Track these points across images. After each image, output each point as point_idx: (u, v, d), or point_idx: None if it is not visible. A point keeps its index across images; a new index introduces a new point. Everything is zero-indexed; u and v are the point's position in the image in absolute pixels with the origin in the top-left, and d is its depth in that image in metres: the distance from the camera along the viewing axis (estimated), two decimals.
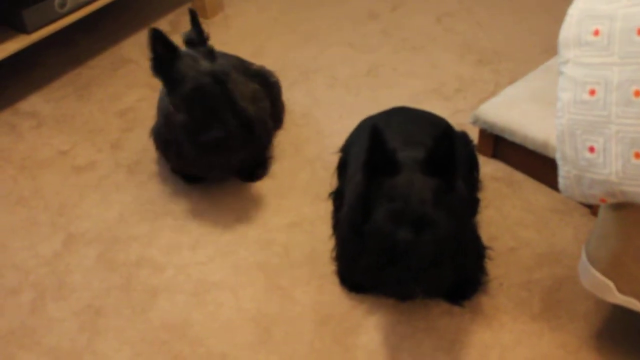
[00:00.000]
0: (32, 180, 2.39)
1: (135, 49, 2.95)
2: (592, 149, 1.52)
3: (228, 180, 2.34)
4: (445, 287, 1.73)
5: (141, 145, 2.49)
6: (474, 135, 2.31)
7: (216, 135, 1.99)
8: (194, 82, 1.99)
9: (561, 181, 1.62)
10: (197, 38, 2.12)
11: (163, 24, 3.08)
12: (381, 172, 1.68)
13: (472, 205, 2.08)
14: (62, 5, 2.63)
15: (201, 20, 2.99)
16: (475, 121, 2.31)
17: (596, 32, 1.53)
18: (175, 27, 3.06)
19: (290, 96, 2.60)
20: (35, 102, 2.71)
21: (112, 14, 3.13)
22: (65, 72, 2.85)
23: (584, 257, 1.67)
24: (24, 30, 2.58)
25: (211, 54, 2.11)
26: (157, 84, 2.73)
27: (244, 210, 2.25)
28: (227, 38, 2.96)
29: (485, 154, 2.35)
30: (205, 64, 2.03)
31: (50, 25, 2.63)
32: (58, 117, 2.63)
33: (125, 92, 2.73)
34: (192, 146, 2.05)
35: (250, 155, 2.21)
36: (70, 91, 2.75)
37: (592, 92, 1.52)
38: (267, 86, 2.41)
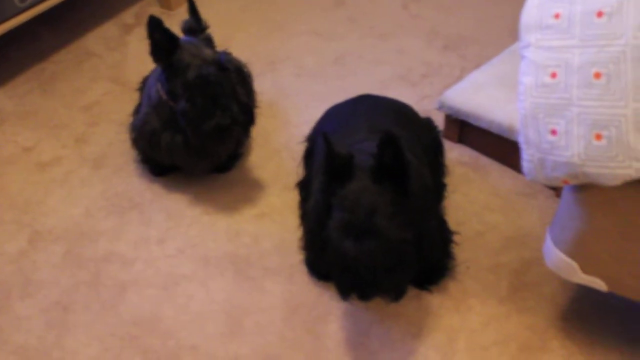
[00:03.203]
0: None
1: (100, 43, 2.92)
2: (554, 132, 1.53)
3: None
4: (405, 289, 1.74)
5: (107, 139, 2.47)
6: (440, 120, 2.32)
7: (221, 122, 2.01)
8: (198, 71, 2.00)
9: (525, 164, 1.64)
10: (197, 26, 2.13)
11: (127, 17, 3.05)
12: (338, 177, 1.68)
13: (438, 191, 2.09)
14: None
15: (165, 12, 3.00)
16: (441, 107, 2.32)
17: (557, 16, 1.54)
18: (139, 19, 3.03)
19: (258, 86, 2.59)
20: None
21: (76, 7, 3.09)
22: (28, 67, 2.81)
23: (548, 239, 1.68)
24: None
25: (210, 42, 2.12)
26: (122, 79, 2.73)
27: (211, 202, 2.24)
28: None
29: (451, 139, 2.36)
30: (208, 52, 2.05)
31: (11, 20, 2.59)
32: (21, 113, 2.60)
33: (90, 87, 2.70)
34: (195, 134, 2.05)
35: (237, 144, 2.23)
36: (34, 86, 2.72)
37: (554, 75, 1.53)
38: (241, 77, 2.40)
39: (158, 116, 2.15)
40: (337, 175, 1.68)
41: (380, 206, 1.63)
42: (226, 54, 2.11)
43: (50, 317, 1.94)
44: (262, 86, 2.64)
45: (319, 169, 1.81)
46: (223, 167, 2.32)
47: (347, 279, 1.66)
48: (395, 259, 1.65)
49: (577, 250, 1.61)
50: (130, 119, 2.39)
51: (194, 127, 2.04)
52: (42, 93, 2.69)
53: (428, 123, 2.15)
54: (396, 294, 1.73)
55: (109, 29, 3.00)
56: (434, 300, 1.92)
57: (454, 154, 2.33)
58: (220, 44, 2.59)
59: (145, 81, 2.40)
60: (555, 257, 1.65)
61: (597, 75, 1.47)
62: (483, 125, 2.23)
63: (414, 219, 1.71)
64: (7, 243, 2.14)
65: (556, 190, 2.14)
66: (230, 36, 2.92)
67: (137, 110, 2.36)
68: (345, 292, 1.69)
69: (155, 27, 2.01)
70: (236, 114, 2.02)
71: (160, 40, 2.02)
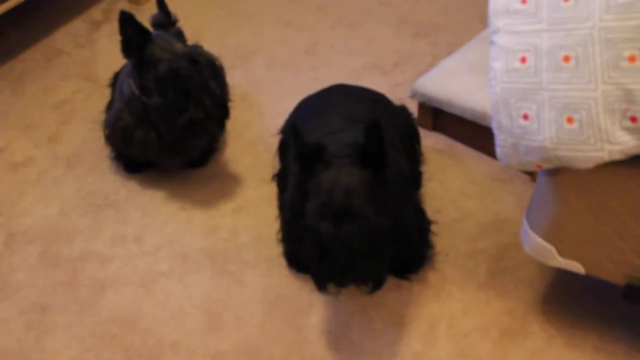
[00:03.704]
0: None
1: (68, 40, 2.89)
2: (526, 117, 1.54)
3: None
4: (383, 277, 1.72)
5: (79, 137, 2.45)
6: (413, 109, 2.32)
7: (195, 116, 1.99)
8: (170, 65, 1.99)
9: (498, 150, 1.64)
10: (166, 20, 2.11)
11: (95, 13, 3.02)
12: (312, 166, 1.68)
13: (414, 179, 2.09)
14: None
15: (134, 7, 2.97)
16: (414, 95, 2.32)
17: (524, 1, 1.55)
18: (107, 15, 3.00)
19: (230, 79, 2.57)
20: None
21: (42, 5, 3.05)
22: None
23: (525, 223, 1.70)
24: None
25: (181, 36, 2.11)
26: (92, 76, 2.71)
27: (187, 197, 2.23)
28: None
29: (425, 127, 2.36)
30: (179, 46, 2.03)
31: None
32: None
33: (60, 85, 2.67)
34: (168, 129, 2.04)
35: (212, 138, 2.23)
36: (3, 86, 2.69)
37: (523, 60, 1.54)
38: (213, 71, 2.39)
39: (131, 112, 2.13)
40: (310, 164, 1.68)
41: (358, 189, 1.63)
42: (197, 47, 2.10)
43: (29, 318, 1.92)
44: (234, 79, 2.62)
45: (294, 160, 1.80)
46: (198, 162, 2.31)
47: (323, 266, 1.64)
48: (373, 244, 1.63)
49: (553, 234, 1.62)
50: (103, 116, 2.37)
51: (167, 122, 2.03)
52: (12, 92, 2.66)
53: (403, 111, 2.16)
54: (374, 283, 1.71)
55: (77, 26, 2.96)
56: (414, 289, 1.93)
57: (429, 141, 2.33)
58: (190, 38, 2.58)
59: (116, 77, 2.38)
60: (533, 242, 1.66)
61: (566, 59, 1.48)
62: (456, 112, 2.23)
63: (390, 206, 1.71)
64: None
65: (532, 175, 2.15)
66: (200, 30, 2.90)
67: (109, 107, 2.35)
68: (321, 280, 1.67)
69: (127, 22, 2.00)
70: (209, 107, 2.01)
71: (132, 36, 2.01)
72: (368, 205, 1.62)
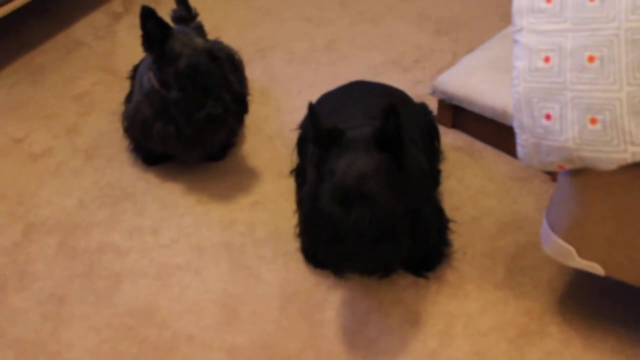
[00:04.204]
0: None
1: (88, 32, 2.90)
2: (548, 116, 1.53)
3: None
4: (394, 262, 1.70)
5: (98, 129, 2.45)
6: (433, 106, 2.31)
7: (213, 112, 2.00)
8: (189, 60, 1.99)
9: (520, 150, 1.63)
10: (186, 14, 2.11)
11: (116, 5, 3.03)
12: (330, 147, 1.67)
13: (433, 176, 2.08)
14: None
15: (152, 0, 2.97)
16: (434, 92, 2.31)
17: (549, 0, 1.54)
18: (128, 8, 3.00)
19: (248, 73, 2.57)
20: None
21: None
22: (17, 58, 2.79)
23: (545, 223, 1.68)
24: None
25: (201, 30, 2.11)
26: (112, 68, 2.71)
27: (205, 191, 2.23)
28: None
29: (445, 124, 2.35)
30: (199, 41, 2.04)
31: None
32: (11, 104, 2.58)
33: (80, 76, 2.68)
34: (187, 123, 2.05)
35: (237, 125, 2.23)
36: (24, 77, 2.70)
37: (547, 60, 1.52)
38: (233, 66, 2.39)
39: (150, 105, 2.14)
40: (327, 147, 1.67)
41: (372, 173, 1.62)
42: (217, 43, 2.09)
43: (46, 309, 1.93)
44: (253, 73, 2.62)
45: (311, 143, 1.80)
46: (216, 155, 2.31)
47: (336, 249, 1.62)
48: (386, 229, 1.61)
49: (573, 235, 1.61)
50: (122, 108, 2.37)
51: (186, 116, 2.03)
52: (32, 83, 2.67)
53: (423, 108, 2.15)
54: (385, 269, 1.69)
55: (97, 18, 2.97)
56: (431, 286, 1.92)
57: (448, 139, 2.32)
58: (209, 32, 2.58)
59: (136, 69, 2.38)
60: (552, 242, 1.65)
61: (591, 59, 1.46)
62: (476, 109, 2.22)
63: (407, 200, 1.71)
64: (0, 235, 2.12)
65: (552, 175, 2.14)
66: (219, 23, 2.90)
67: (128, 99, 2.35)
68: (332, 264, 1.65)
69: (149, 17, 2.00)
70: (228, 103, 2.01)
71: (153, 30, 2.01)
72: (382, 190, 1.60)
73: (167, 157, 2.30)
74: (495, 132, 2.24)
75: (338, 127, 1.69)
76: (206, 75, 1.99)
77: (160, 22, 2.01)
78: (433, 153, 2.13)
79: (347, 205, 1.58)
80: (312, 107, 1.67)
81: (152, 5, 2.03)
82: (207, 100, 2.00)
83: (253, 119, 2.41)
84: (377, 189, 1.60)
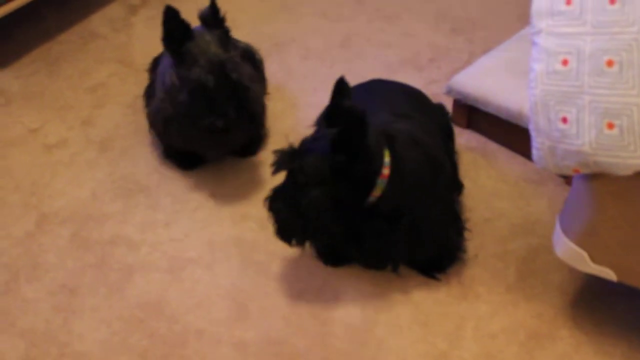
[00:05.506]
0: (2, 159, 2.35)
1: (105, 23, 2.90)
2: (565, 120, 1.52)
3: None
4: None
5: (113, 121, 2.46)
6: (447, 105, 2.30)
7: (215, 123, 2.00)
8: (199, 75, 1.99)
9: (535, 152, 1.62)
10: (212, 20, 2.10)
11: None
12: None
13: (455, 182, 2.08)
14: None
15: None
16: (449, 91, 2.30)
17: (568, 2, 1.53)
18: (145, 1, 3.01)
19: (265, 68, 2.57)
20: (4, 79, 2.66)
21: None
22: (34, 48, 2.80)
23: (558, 227, 1.68)
24: None
25: (226, 37, 2.10)
26: (128, 60, 2.72)
27: (218, 186, 2.23)
28: (196, 12, 2.91)
29: (459, 124, 2.34)
30: (216, 51, 2.03)
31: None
32: (27, 94, 2.59)
33: (96, 68, 2.69)
34: (189, 126, 2.05)
35: (246, 137, 2.21)
36: (40, 67, 2.70)
37: (565, 62, 1.52)
38: (253, 64, 2.39)
39: (171, 103, 2.13)
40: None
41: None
42: (233, 61, 2.06)
43: (57, 300, 1.94)
44: (269, 68, 2.62)
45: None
46: (247, 151, 2.31)
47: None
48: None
49: (587, 240, 1.60)
50: (137, 101, 2.38)
51: (189, 120, 2.04)
52: (48, 74, 2.68)
53: (440, 109, 2.15)
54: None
55: (114, 10, 2.98)
56: (442, 288, 1.92)
57: (462, 139, 2.31)
58: None
59: (155, 62, 2.37)
60: (565, 246, 1.64)
61: (610, 63, 1.45)
62: (492, 110, 2.21)
63: (405, 199, 1.73)
64: (14, 225, 2.13)
65: (566, 178, 2.13)
66: (233, 18, 2.88)
67: (147, 92, 2.34)
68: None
69: (171, 18, 2.00)
70: (232, 120, 2.01)
71: (174, 30, 2.01)
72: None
73: (200, 159, 2.30)
74: (510, 133, 2.23)
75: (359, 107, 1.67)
76: (213, 91, 1.99)
77: (182, 23, 2.01)
78: (448, 153, 2.12)
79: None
80: (342, 81, 1.67)
81: None
82: (211, 114, 2.00)
83: (269, 114, 2.41)
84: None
